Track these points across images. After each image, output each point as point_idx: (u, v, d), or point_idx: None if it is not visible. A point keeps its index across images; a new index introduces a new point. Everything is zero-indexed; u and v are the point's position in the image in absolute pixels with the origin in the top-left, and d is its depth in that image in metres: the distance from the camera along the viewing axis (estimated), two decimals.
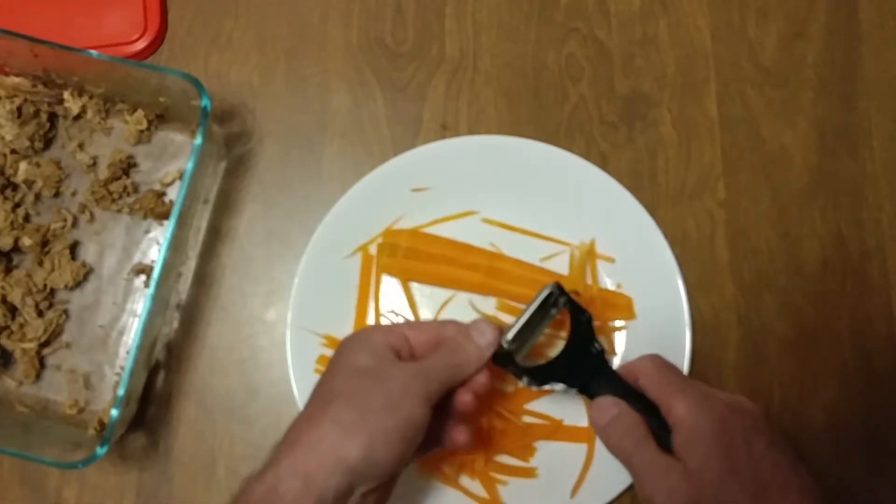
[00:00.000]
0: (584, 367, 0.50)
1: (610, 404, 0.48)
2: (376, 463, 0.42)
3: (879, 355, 0.55)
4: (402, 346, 0.47)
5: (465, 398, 0.47)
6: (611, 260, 0.56)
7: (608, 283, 0.56)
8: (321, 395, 0.45)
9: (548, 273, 0.56)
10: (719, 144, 0.59)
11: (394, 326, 0.51)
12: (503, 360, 0.49)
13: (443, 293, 0.56)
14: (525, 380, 0.49)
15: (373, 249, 0.56)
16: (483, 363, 0.47)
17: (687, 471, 0.45)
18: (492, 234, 0.56)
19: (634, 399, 0.48)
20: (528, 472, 0.54)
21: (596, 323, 0.51)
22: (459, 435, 0.47)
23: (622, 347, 0.55)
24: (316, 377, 0.48)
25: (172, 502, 0.55)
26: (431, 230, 0.57)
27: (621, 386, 0.49)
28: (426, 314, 0.56)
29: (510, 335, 0.48)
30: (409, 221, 0.57)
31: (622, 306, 0.55)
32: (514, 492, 0.53)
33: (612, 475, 0.52)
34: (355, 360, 0.46)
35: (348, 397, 0.44)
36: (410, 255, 0.56)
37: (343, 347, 0.48)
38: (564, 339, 0.53)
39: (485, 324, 0.48)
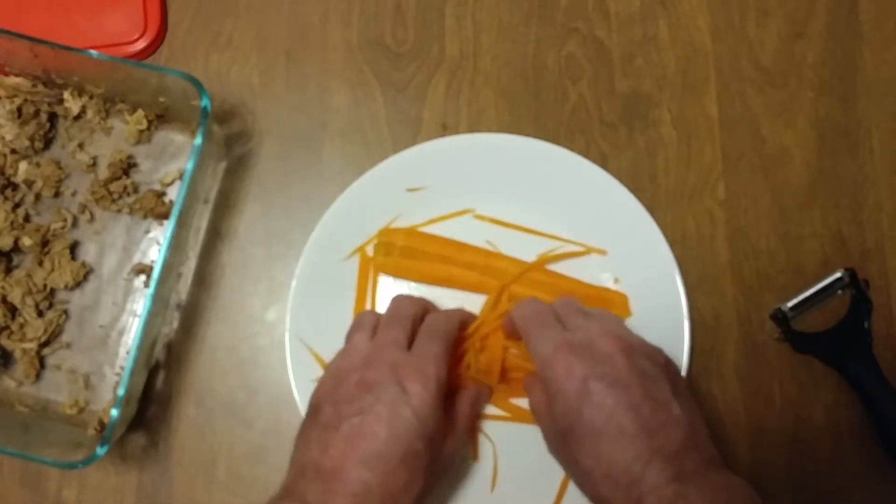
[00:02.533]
0: (847, 347, 0.54)
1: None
2: None
3: (880, 355, 0.55)
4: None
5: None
6: (602, 252, 0.56)
7: (606, 282, 0.56)
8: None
9: (545, 272, 0.55)
10: (719, 144, 0.59)
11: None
12: (779, 321, 0.55)
13: (439, 292, 0.56)
14: (789, 343, 0.55)
15: (370, 251, 0.56)
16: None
17: (549, 423, 0.47)
18: (488, 232, 0.56)
19: (887, 393, 0.53)
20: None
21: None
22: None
23: None
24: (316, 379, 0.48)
25: (172, 502, 0.55)
26: (428, 229, 0.57)
27: (877, 375, 0.53)
28: None
29: (792, 302, 0.55)
30: (406, 221, 0.57)
31: (617, 303, 0.55)
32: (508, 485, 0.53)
33: None
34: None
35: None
36: (406, 253, 0.56)
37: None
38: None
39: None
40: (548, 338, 0.47)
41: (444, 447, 0.47)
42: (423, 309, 0.52)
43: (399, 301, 0.53)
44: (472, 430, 0.53)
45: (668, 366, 0.46)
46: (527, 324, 0.49)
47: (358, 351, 0.49)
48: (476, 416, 0.53)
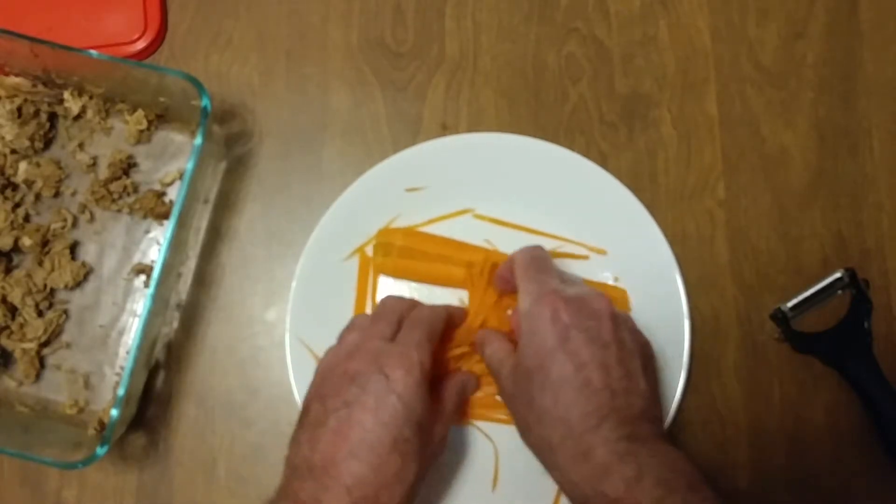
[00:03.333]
0: (847, 347, 0.54)
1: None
2: None
3: (880, 355, 0.55)
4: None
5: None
6: (602, 252, 0.56)
7: (606, 281, 0.56)
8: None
9: None
10: (719, 144, 0.59)
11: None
12: (779, 321, 0.55)
13: (439, 292, 0.56)
14: (789, 343, 0.55)
15: (370, 251, 0.56)
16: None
17: (513, 364, 0.48)
18: (488, 231, 0.56)
19: (887, 393, 0.53)
20: None
21: None
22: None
23: None
24: None
25: (172, 502, 0.55)
26: (428, 229, 0.57)
27: (877, 375, 0.53)
28: None
29: (792, 303, 0.55)
30: (406, 221, 0.57)
31: (616, 299, 0.55)
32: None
33: None
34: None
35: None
36: (405, 253, 0.56)
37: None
38: None
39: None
40: (543, 282, 0.48)
41: (434, 432, 0.47)
42: (411, 307, 0.52)
43: (386, 300, 0.53)
44: (460, 417, 0.53)
45: (646, 347, 0.49)
46: (527, 264, 0.50)
47: (344, 347, 0.49)
48: (463, 403, 0.52)
